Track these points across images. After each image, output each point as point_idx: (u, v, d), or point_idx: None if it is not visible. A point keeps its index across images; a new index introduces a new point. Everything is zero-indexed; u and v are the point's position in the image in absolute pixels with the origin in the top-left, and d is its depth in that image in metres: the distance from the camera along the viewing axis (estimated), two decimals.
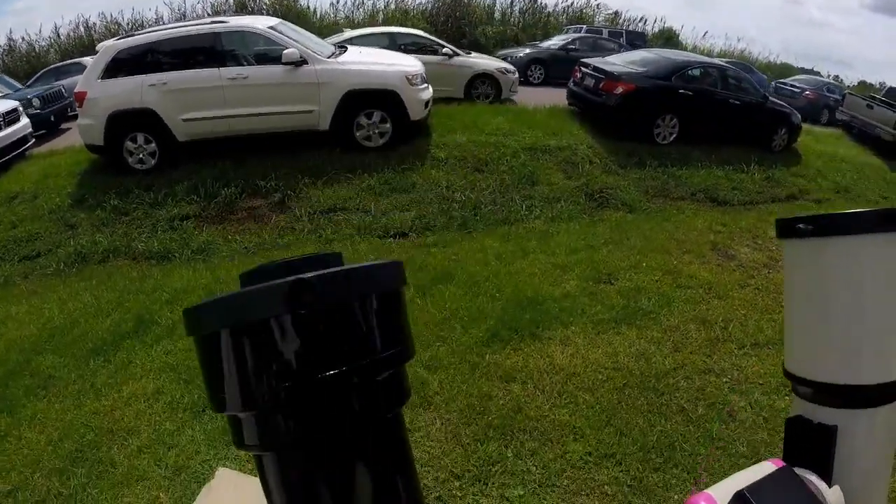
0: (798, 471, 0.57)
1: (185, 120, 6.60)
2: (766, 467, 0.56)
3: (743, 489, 0.51)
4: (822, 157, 9.84)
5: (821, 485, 0.56)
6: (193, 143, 6.73)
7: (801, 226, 0.54)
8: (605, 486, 2.64)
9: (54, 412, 3.20)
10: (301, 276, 0.31)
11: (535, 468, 2.73)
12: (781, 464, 0.57)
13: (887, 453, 0.59)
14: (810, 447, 0.58)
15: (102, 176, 6.71)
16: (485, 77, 10.45)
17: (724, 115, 8.93)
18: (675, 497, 2.62)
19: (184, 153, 6.76)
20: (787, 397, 3.33)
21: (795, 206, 7.56)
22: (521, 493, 2.59)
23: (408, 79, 6.92)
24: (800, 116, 10.05)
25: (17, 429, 3.13)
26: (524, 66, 14.06)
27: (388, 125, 7.01)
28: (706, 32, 38.97)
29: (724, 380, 3.48)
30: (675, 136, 8.55)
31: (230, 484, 2.75)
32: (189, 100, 6.54)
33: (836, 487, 0.56)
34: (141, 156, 6.65)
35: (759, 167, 8.27)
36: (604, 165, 7.58)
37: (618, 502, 2.58)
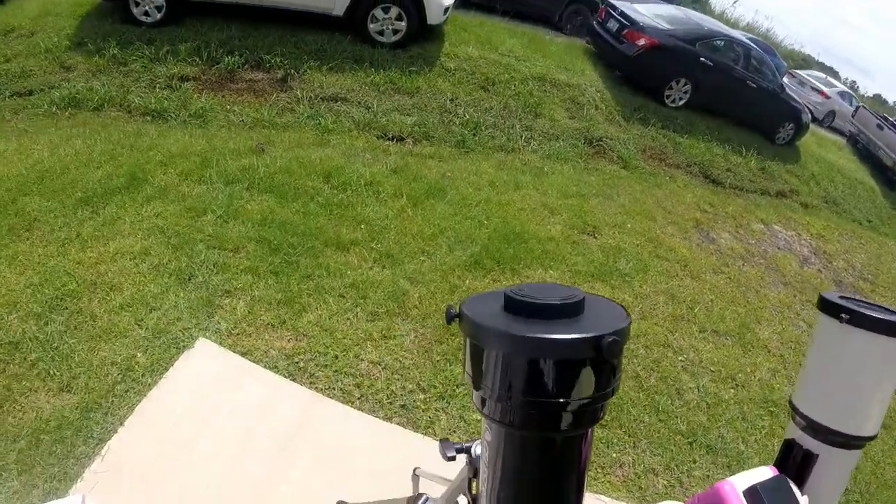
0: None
1: None
2: (766, 471, 0.72)
3: (755, 485, 0.67)
4: (820, 162, 9.87)
5: (799, 495, 0.72)
6: (201, 4, 6.36)
7: (842, 315, 0.67)
8: None
9: (37, 256, 3.13)
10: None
11: None
12: (776, 471, 0.73)
13: (847, 477, 0.77)
14: (796, 465, 0.74)
15: (104, 23, 6.27)
16: None
17: (738, 95, 8.83)
18: (614, 455, 2.84)
19: (191, 11, 6.40)
20: (732, 389, 3.61)
21: (783, 203, 7.64)
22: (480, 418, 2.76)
23: None
24: (810, 116, 9.93)
25: None
26: None
27: (403, 23, 6.73)
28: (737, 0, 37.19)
29: (680, 358, 3.67)
30: (684, 101, 8.48)
31: (209, 354, 2.84)
32: None
33: (806, 497, 0.73)
34: (147, 7, 6.22)
35: (757, 155, 8.30)
36: (608, 113, 7.50)
37: None
